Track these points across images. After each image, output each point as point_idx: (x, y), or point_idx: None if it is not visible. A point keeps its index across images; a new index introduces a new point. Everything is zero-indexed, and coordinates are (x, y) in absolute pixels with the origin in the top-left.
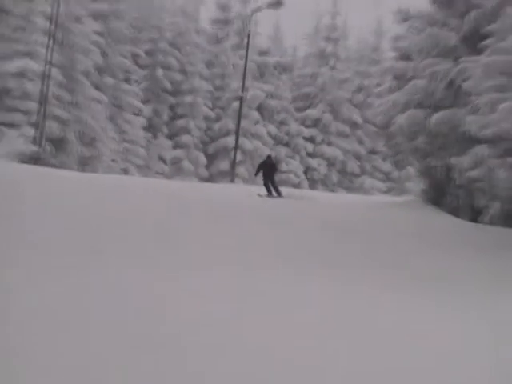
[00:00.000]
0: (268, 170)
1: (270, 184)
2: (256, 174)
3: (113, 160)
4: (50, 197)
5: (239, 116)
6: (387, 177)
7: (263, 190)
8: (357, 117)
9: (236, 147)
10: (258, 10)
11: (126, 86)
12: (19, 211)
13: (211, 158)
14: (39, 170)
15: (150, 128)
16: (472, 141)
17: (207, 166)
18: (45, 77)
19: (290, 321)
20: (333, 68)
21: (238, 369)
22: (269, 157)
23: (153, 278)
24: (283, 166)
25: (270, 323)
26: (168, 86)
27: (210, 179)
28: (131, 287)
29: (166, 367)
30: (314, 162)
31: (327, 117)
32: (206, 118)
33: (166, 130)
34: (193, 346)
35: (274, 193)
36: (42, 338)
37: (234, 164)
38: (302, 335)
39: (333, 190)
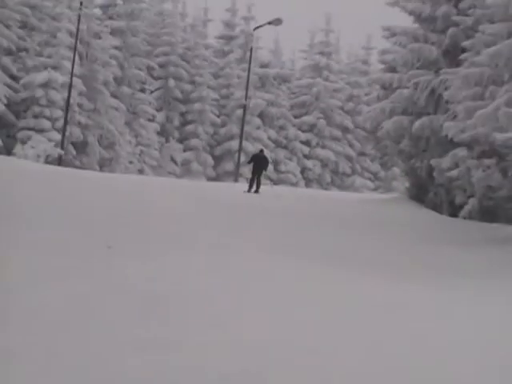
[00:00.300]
0: (259, 163)
1: (254, 179)
2: (249, 163)
3: (130, 162)
4: (80, 194)
5: (243, 122)
6: (375, 176)
7: (246, 186)
8: (348, 122)
9: (240, 150)
10: (260, 26)
11: (141, 95)
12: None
13: (217, 160)
14: (69, 171)
15: (163, 132)
16: (451, 144)
17: (214, 167)
18: (69, 87)
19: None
20: (326, 79)
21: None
22: (261, 151)
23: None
24: (282, 167)
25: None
26: (179, 94)
27: (217, 179)
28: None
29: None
30: (309, 163)
31: (321, 122)
32: (213, 124)
33: (177, 135)
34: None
35: (253, 189)
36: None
37: (238, 165)
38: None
39: (326, 189)
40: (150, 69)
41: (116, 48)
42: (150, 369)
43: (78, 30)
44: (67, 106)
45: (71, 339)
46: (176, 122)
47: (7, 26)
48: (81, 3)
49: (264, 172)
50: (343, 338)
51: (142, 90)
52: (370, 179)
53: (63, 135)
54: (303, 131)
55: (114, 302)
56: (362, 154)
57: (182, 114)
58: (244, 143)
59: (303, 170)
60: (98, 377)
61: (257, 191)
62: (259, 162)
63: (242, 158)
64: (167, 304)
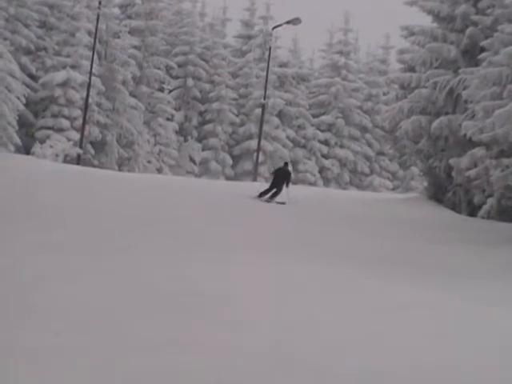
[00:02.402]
0: (280, 177)
1: (271, 190)
2: (271, 174)
3: (148, 161)
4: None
5: (261, 121)
6: (393, 176)
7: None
8: (366, 122)
9: (258, 149)
10: (279, 26)
11: (159, 94)
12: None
13: (236, 159)
14: (88, 170)
15: (182, 132)
16: (470, 143)
17: (232, 166)
18: (87, 86)
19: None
20: (345, 78)
21: None
22: (286, 164)
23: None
24: (301, 166)
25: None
26: (197, 94)
27: (235, 178)
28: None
29: None
30: (328, 163)
31: (340, 122)
32: (232, 123)
33: (195, 134)
34: None
35: (267, 196)
36: None
37: (256, 164)
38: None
39: (345, 188)
40: (168, 68)
41: (135, 47)
42: (167, 368)
43: (96, 29)
44: (86, 106)
45: (94, 339)
46: (194, 122)
47: (26, 26)
48: (99, 2)
49: (285, 188)
50: (363, 334)
51: (161, 90)
52: (388, 179)
53: (82, 134)
54: (321, 131)
55: (133, 301)
56: (380, 153)
57: (201, 114)
58: (262, 142)
59: (322, 170)
60: (118, 375)
61: (269, 200)
62: (280, 176)
63: (261, 158)
64: (189, 303)
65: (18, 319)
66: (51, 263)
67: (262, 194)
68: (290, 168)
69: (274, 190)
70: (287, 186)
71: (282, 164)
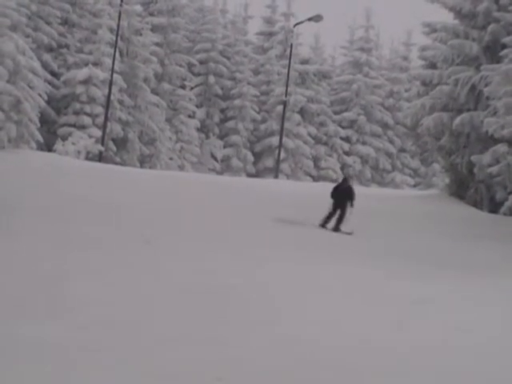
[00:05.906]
0: (342, 196)
1: (334, 214)
2: (332, 197)
3: (170, 158)
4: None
5: (283, 118)
6: (415, 173)
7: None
8: (388, 119)
9: (280, 146)
10: (300, 23)
11: (181, 92)
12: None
13: (258, 156)
14: (110, 167)
15: (203, 129)
16: (492, 140)
17: (254, 163)
18: (109, 83)
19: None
20: (366, 75)
21: None
22: (345, 180)
23: None
24: (322, 163)
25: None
26: (219, 91)
27: (257, 175)
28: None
29: None
30: (349, 160)
31: (362, 119)
32: (253, 120)
33: (217, 131)
34: None
35: (328, 226)
36: None
37: (278, 161)
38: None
39: (366, 185)
40: (190, 65)
41: (157, 44)
42: (186, 363)
43: (118, 26)
44: (108, 103)
45: (120, 334)
46: (216, 119)
47: (48, 23)
48: (121, 0)
49: (350, 207)
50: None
51: (183, 87)
52: (410, 175)
53: (104, 132)
54: (343, 127)
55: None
56: (402, 150)
57: (222, 111)
58: (284, 139)
59: (343, 167)
60: (145, 371)
61: (336, 229)
62: (342, 196)
63: (282, 155)
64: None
65: (43, 314)
66: (75, 256)
67: (325, 221)
68: (351, 183)
69: (339, 214)
70: (352, 205)
71: (340, 180)
